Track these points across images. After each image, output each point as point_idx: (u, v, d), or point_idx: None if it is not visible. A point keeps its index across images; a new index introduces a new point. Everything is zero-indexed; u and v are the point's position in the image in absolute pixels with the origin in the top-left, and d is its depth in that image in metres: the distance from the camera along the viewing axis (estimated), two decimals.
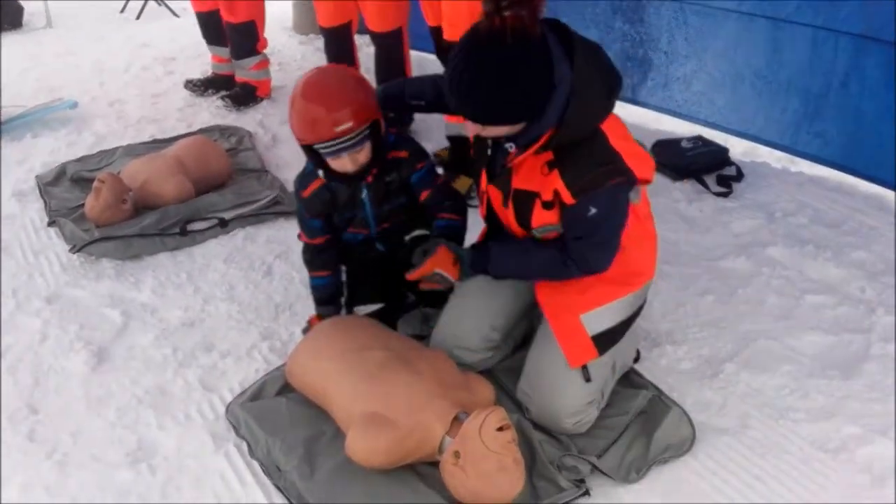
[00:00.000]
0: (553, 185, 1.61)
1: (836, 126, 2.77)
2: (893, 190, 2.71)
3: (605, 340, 1.76)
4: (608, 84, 1.57)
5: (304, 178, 1.95)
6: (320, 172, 1.87)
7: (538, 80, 1.49)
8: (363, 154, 1.82)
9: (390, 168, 1.91)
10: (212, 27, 3.72)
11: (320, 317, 2.09)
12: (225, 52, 3.78)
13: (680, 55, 3.16)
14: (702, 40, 3.06)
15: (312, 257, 2.06)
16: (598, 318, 1.76)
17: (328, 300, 2.09)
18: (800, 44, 2.75)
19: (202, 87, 3.84)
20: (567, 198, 1.59)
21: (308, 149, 1.82)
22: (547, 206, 1.65)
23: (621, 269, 1.73)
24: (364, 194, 1.93)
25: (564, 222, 1.66)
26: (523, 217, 1.71)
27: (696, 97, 3.19)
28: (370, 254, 2.06)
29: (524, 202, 1.68)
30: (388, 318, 2.07)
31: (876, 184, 2.76)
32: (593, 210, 1.59)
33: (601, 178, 1.57)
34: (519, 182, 1.68)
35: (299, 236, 2.07)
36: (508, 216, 1.75)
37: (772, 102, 2.93)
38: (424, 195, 1.96)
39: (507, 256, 1.78)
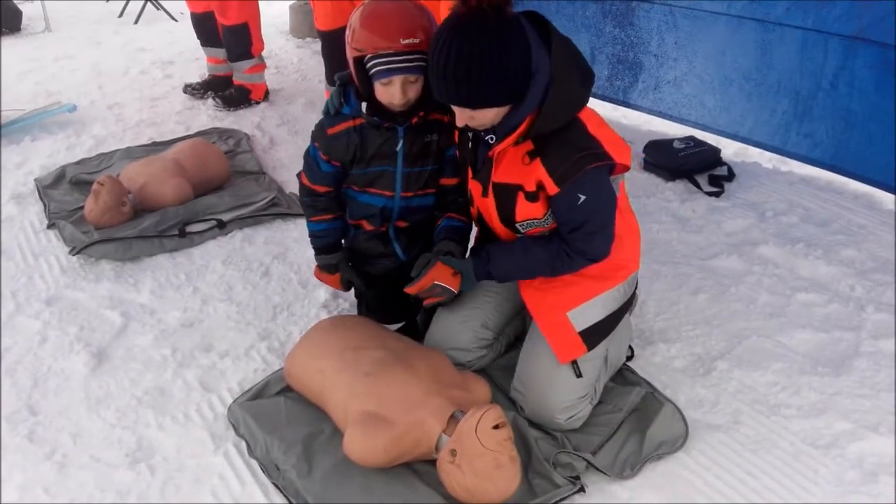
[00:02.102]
0: (535, 174, 1.63)
1: (825, 127, 2.80)
2: (881, 188, 2.74)
3: (594, 335, 1.78)
4: (582, 74, 1.61)
5: (333, 118, 1.83)
6: (363, 106, 1.76)
7: (520, 58, 1.52)
8: (414, 88, 1.72)
9: (431, 128, 1.84)
10: (206, 28, 3.74)
11: (321, 269, 2.04)
12: (220, 52, 3.79)
13: (670, 58, 3.19)
14: (692, 43, 3.09)
15: (314, 201, 1.96)
16: (585, 314, 1.77)
17: (329, 248, 2.00)
18: (789, 46, 2.78)
19: (201, 90, 3.86)
20: (551, 187, 1.61)
21: (360, 67, 1.71)
22: (531, 197, 1.66)
23: (603, 263, 1.75)
24: (400, 145, 1.82)
25: (556, 216, 1.68)
26: (506, 210, 1.72)
27: (686, 99, 3.21)
28: (385, 259, 1.99)
29: (506, 195, 1.70)
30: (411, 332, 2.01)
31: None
32: (582, 197, 1.61)
33: (582, 163, 1.59)
34: (500, 175, 1.69)
35: (299, 176, 1.96)
36: (489, 208, 1.76)
37: (762, 104, 2.96)
38: (448, 181, 1.90)
39: (508, 257, 1.78)
